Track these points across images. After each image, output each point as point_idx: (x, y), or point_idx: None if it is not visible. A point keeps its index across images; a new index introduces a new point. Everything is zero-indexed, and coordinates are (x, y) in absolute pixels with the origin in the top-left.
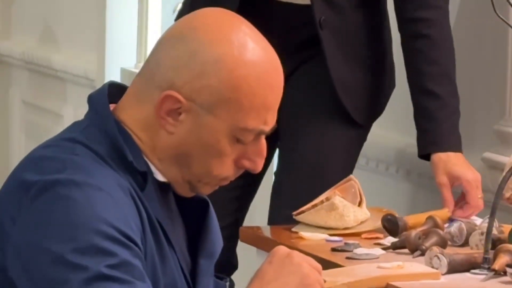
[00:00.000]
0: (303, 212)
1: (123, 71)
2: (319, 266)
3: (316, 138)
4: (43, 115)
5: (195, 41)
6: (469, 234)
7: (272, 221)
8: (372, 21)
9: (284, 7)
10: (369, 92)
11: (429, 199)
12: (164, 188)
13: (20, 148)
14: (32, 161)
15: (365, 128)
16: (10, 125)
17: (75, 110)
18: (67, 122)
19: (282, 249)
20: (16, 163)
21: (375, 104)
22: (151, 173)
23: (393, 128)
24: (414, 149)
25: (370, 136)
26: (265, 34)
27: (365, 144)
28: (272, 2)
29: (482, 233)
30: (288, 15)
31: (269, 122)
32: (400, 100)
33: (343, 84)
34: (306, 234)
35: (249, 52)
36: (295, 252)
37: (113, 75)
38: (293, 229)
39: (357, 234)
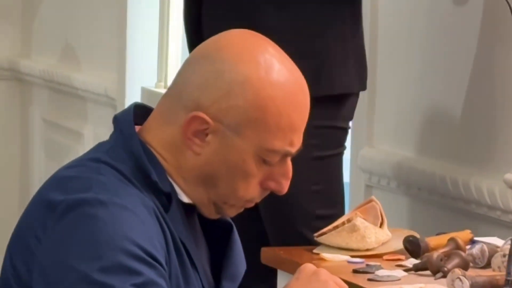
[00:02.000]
0: (324, 233)
1: (144, 90)
2: (345, 285)
3: None
4: (64, 133)
5: (222, 62)
6: (491, 256)
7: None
8: None
9: None
10: None
11: (450, 220)
12: (189, 209)
13: (40, 167)
14: (57, 181)
15: None
16: (31, 143)
17: (95, 129)
18: (87, 140)
19: (309, 266)
20: (36, 181)
21: None
22: (176, 194)
23: (415, 150)
24: (436, 170)
25: (391, 156)
26: None
27: (386, 165)
28: None
29: (504, 255)
30: None
31: (295, 143)
32: (422, 121)
33: None
34: (327, 255)
35: (275, 72)
36: (322, 270)
37: (134, 94)
38: (315, 251)
39: (378, 256)
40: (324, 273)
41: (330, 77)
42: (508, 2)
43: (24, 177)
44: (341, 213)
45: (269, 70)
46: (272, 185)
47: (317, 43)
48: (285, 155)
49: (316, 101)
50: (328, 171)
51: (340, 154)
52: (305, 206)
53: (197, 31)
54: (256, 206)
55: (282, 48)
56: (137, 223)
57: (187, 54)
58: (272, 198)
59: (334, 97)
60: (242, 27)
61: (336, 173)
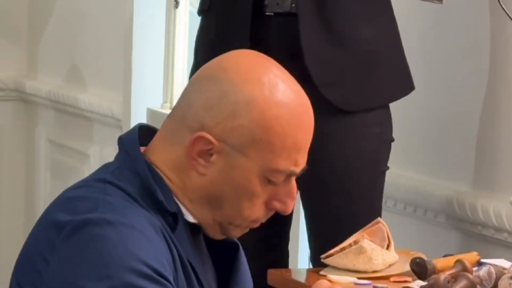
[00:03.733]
0: (331, 255)
1: (149, 111)
2: None
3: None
4: (69, 154)
5: (227, 82)
6: (498, 278)
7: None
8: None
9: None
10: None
11: (457, 242)
12: (195, 229)
13: (45, 187)
14: (63, 201)
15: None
16: (36, 164)
17: (101, 150)
18: (93, 161)
19: (324, 283)
20: (42, 202)
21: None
22: (182, 214)
23: (422, 172)
24: (443, 192)
25: (398, 177)
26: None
27: (393, 187)
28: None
29: (511, 277)
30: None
31: (300, 163)
32: (428, 143)
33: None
34: (334, 277)
35: (280, 93)
36: (337, 287)
37: (139, 115)
38: (322, 272)
39: (385, 278)
40: None
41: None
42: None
43: (30, 197)
44: None
45: (274, 90)
46: (277, 205)
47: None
48: (290, 175)
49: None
50: (382, 188)
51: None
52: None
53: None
54: (268, 222)
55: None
56: (144, 242)
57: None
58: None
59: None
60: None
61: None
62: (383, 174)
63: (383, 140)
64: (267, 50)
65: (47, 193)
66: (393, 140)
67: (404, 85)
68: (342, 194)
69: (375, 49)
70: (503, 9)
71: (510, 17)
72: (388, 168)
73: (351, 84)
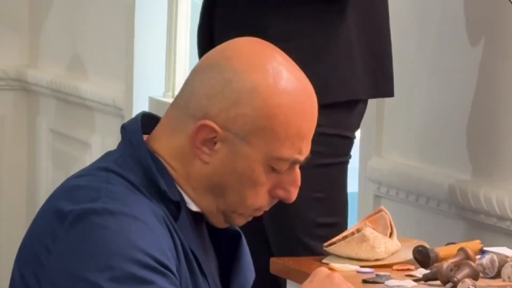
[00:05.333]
0: (333, 243)
1: (151, 100)
2: None
3: None
4: (71, 143)
5: (230, 70)
6: (501, 266)
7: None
8: None
9: None
10: None
11: (460, 230)
12: (197, 218)
13: (47, 177)
14: (66, 190)
15: None
16: (38, 153)
17: (103, 139)
18: (94, 151)
19: (323, 270)
20: (44, 191)
21: None
22: (185, 202)
23: (424, 160)
24: (445, 180)
25: (400, 166)
26: None
27: (395, 175)
28: None
29: None
30: None
31: (304, 151)
32: (430, 131)
33: None
34: (337, 265)
35: (284, 81)
36: (336, 274)
37: (141, 104)
38: (324, 261)
39: (388, 266)
40: (337, 277)
41: (337, 83)
42: None
43: (31, 187)
44: (344, 222)
45: (277, 78)
46: (281, 193)
47: (322, 49)
48: (293, 163)
49: (322, 108)
50: (331, 179)
51: (345, 163)
52: (305, 213)
53: (209, 44)
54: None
55: (289, 55)
56: (146, 232)
57: (194, 63)
58: (273, 206)
59: (341, 104)
60: (250, 35)
61: (340, 182)
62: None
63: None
64: None
65: (49, 182)
66: (349, 137)
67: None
68: None
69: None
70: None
71: None
72: (349, 158)
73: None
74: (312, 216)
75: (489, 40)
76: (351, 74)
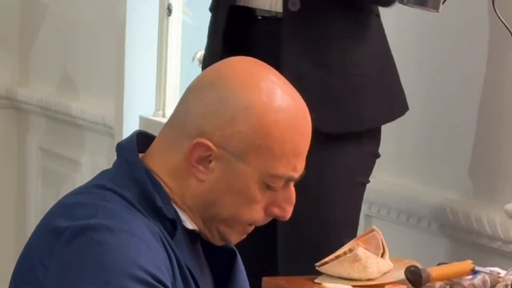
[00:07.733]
0: (326, 263)
1: (142, 119)
2: None
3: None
4: (61, 162)
5: (225, 88)
6: (493, 286)
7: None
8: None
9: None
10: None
11: (451, 250)
12: (193, 236)
13: (36, 195)
14: (62, 208)
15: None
16: (27, 171)
17: (93, 158)
18: (85, 169)
19: None
20: (33, 210)
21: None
22: (180, 220)
23: (416, 180)
24: (436, 200)
25: (391, 186)
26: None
27: (386, 195)
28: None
29: (506, 285)
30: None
31: (298, 168)
32: (422, 151)
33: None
34: (329, 285)
35: (278, 99)
36: None
37: (132, 123)
38: (316, 280)
39: (380, 286)
40: None
41: (393, 105)
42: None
43: (21, 205)
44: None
45: (272, 96)
46: (276, 211)
47: (384, 70)
48: (288, 180)
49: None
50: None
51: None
52: (336, 235)
53: None
54: (258, 230)
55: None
56: (143, 249)
57: (185, 82)
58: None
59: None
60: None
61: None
62: (360, 186)
63: (363, 153)
64: (249, 54)
65: (38, 201)
66: (378, 156)
67: (393, 110)
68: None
69: (361, 73)
70: (500, 18)
71: (506, 26)
72: (368, 181)
73: (330, 106)
74: (339, 238)
75: (486, 57)
76: (397, 94)
